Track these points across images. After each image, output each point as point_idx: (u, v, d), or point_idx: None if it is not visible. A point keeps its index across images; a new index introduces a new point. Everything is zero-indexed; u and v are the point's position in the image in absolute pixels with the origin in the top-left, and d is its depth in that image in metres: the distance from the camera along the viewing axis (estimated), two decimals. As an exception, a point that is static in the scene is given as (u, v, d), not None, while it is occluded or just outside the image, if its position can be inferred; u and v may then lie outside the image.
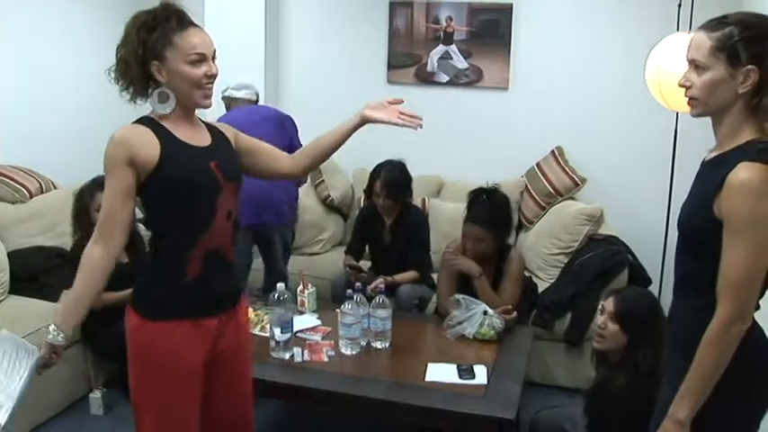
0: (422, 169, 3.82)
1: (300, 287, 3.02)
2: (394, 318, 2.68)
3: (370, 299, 2.69)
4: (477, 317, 2.72)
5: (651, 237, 3.71)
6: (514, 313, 2.83)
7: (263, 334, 2.70)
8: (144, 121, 1.72)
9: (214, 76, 1.72)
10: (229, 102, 3.64)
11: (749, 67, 1.44)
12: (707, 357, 1.47)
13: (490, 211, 2.94)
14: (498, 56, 4.13)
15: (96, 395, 3.04)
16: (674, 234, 1.64)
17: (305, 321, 2.85)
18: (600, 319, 2.33)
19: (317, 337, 2.72)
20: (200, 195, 1.72)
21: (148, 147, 1.66)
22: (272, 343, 2.54)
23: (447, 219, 3.79)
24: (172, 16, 1.68)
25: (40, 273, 3.28)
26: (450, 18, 4.18)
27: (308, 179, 4.14)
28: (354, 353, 2.59)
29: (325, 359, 2.54)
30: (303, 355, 2.53)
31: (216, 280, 1.77)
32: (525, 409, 2.55)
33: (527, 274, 3.32)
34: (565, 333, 3.31)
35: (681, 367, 1.52)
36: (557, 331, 3.31)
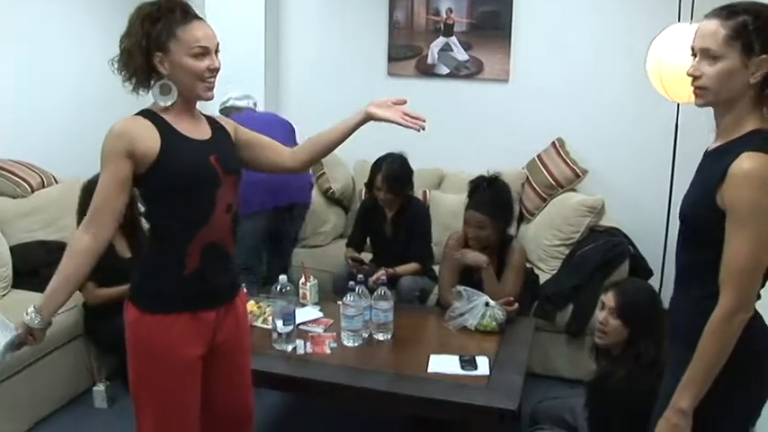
0: (422, 161, 3.82)
1: (302, 279, 3.03)
2: (395, 309, 2.68)
3: (371, 291, 2.69)
4: (479, 308, 2.73)
5: (652, 228, 3.71)
6: (516, 305, 2.84)
7: (265, 326, 2.71)
8: (144, 113, 1.72)
9: (216, 70, 1.72)
10: (229, 111, 3.65)
11: (762, 56, 1.43)
12: (709, 347, 1.47)
13: (491, 197, 2.95)
14: (499, 47, 4.12)
15: (100, 388, 3.05)
16: (675, 225, 1.65)
17: (307, 313, 2.85)
18: (601, 315, 2.32)
19: (320, 329, 2.73)
20: (200, 189, 1.72)
21: (148, 139, 1.66)
22: (275, 335, 2.55)
23: (448, 211, 3.79)
24: (176, 8, 1.67)
25: (41, 267, 3.27)
26: (450, 10, 4.16)
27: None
28: (356, 345, 2.60)
29: (328, 351, 2.55)
30: (306, 347, 2.54)
31: (214, 273, 1.78)
32: (526, 400, 2.56)
33: (528, 265, 3.33)
34: (566, 324, 3.32)
35: (683, 357, 1.52)
36: (558, 322, 3.32)
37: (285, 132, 3.43)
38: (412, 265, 3.34)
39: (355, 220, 3.66)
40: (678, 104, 3.43)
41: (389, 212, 3.43)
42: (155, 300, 1.74)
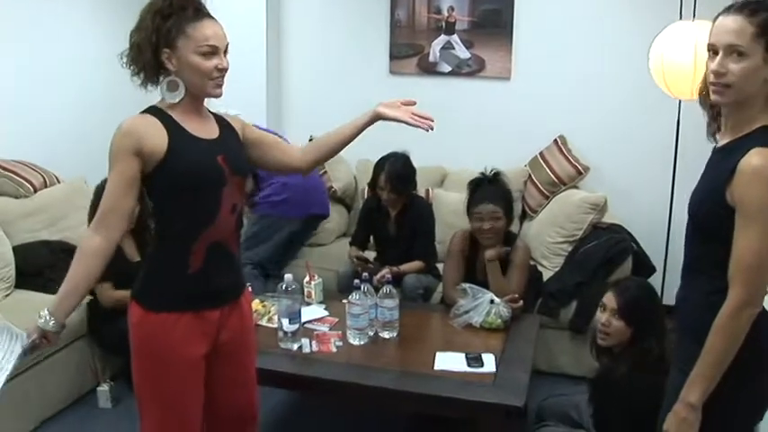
0: (425, 160, 3.82)
1: (307, 278, 3.03)
2: (400, 308, 2.68)
3: (376, 289, 2.70)
4: (484, 306, 2.73)
5: (655, 225, 3.71)
6: (521, 302, 2.84)
7: (270, 325, 2.71)
8: (152, 110, 1.72)
9: (225, 70, 1.71)
10: None
11: None
12: (718, 342, 1.47)
13: (496, 189, 2.99)
14: (500, 45, 4.12)
15: (104, 388, 3.05)
16: (677, 222, 1.65)
17: (312, 312, 2.85)
18: (602, 317, 2.32)
19: (325, 328, 2.73)
20: (206, 188, 1.71)
21: (156, 137, 1.66)
22: (280, 334, 2.55)
23: (450, 209, 3.78)
24: (188, 6, 1.67)
25: (44, 267, 3.27)
26: (451, 8, 4.16)
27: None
28: (362, 343, 2.60)
29: (334, 349, 2.55)
30: (311, 345, 2.54)
31: (218, 272, 1.77)
32: (531, 397, 2.55)
33: (531, 262, 3.33)
34: (570, 321, 3.32)
35: (691, 352, 1.52)
36: (562, 319, 3.32)
37: None
38: (416, 264, 3.34)
39: (358, 219, 3.66)
40: (680, 101, 3.44)
41: (393, 212, 3.43)
42: (158, 298, 1.74)
